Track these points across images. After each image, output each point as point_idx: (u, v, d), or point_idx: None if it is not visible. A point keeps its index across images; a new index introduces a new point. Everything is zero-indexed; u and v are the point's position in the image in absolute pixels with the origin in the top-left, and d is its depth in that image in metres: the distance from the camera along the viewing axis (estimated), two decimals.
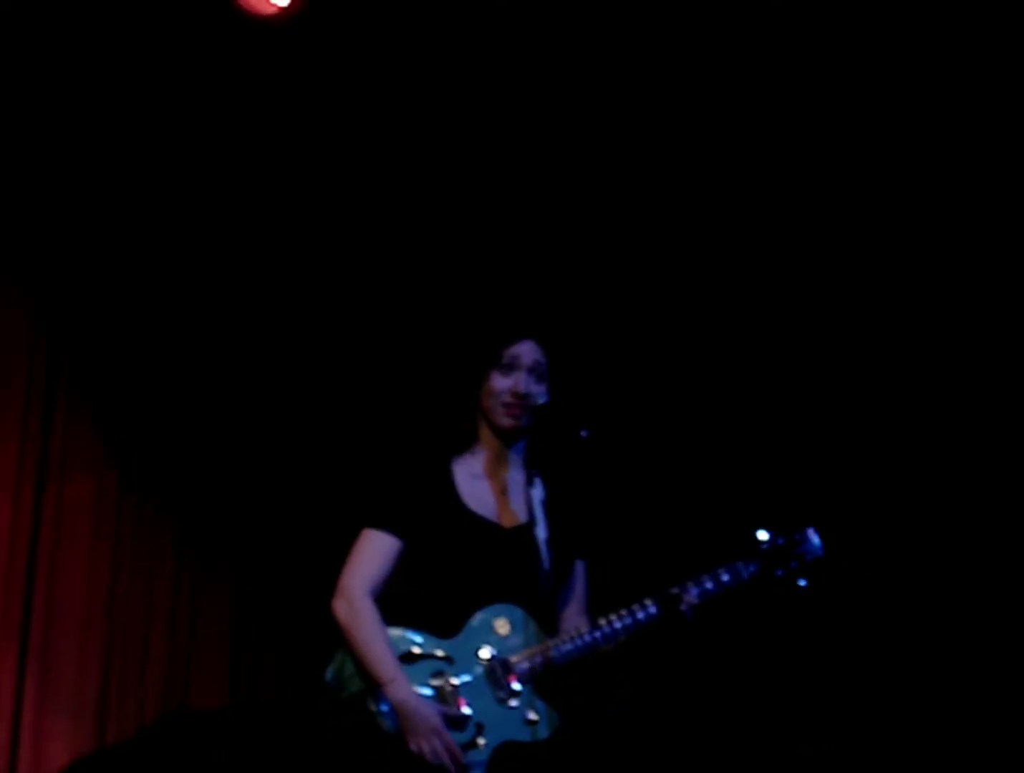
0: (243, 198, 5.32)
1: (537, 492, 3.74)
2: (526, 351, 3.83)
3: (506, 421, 3.80)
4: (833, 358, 5.31)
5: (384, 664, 3.64)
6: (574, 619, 3.81)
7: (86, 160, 5.24)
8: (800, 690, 5.27)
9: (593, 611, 3.82)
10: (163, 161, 5.22)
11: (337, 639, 3.74)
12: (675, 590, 3.66)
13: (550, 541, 3.68)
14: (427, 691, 3.64)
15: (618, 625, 3.67)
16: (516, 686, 3.65)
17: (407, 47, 5.00)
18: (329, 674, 3.73)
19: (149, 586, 5.56)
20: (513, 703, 3.65)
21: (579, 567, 3.90)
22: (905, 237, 5.17)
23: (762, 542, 3.74)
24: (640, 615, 3.66)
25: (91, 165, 5.25)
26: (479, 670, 3.67)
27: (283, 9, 4.90)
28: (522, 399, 3.77)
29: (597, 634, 3.66)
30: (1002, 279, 5.08)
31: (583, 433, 3.70)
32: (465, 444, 3.86)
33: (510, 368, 3.80)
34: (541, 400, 3.76)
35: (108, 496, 5.51)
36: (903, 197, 5.15)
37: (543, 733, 3.65)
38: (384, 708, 3.61)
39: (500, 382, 3.79)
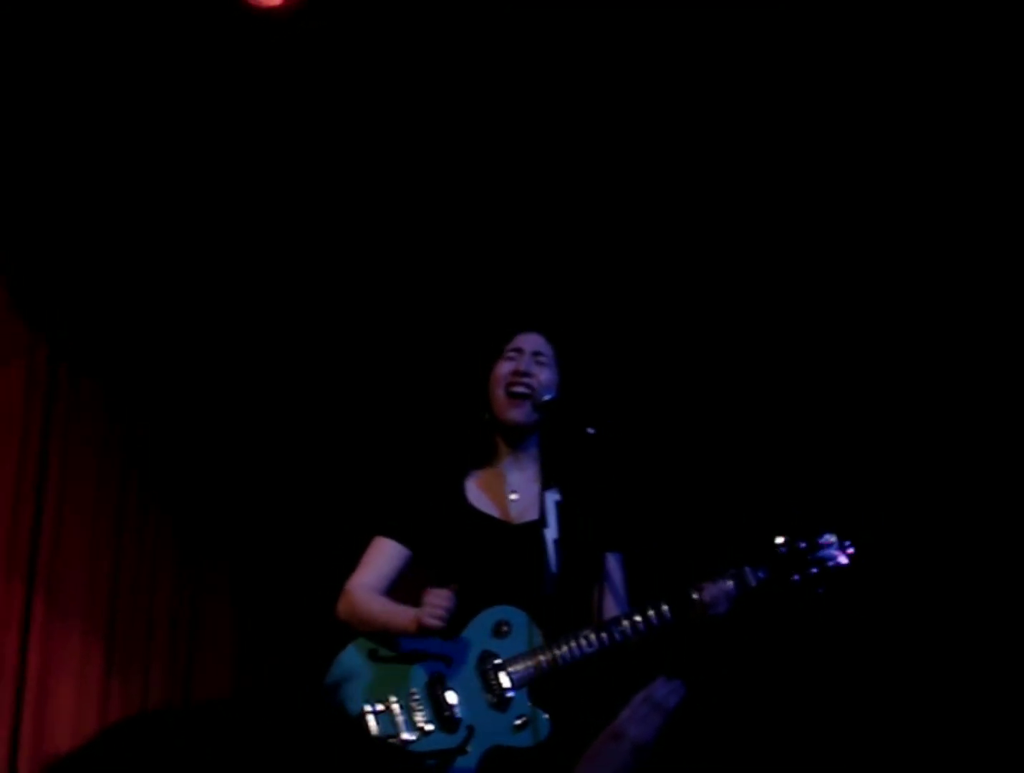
0: (245, 194, 5.27)
1: (552, 494, 3.78)
2: (528, 341, 3.88)
3: (510, 404, 3.80)
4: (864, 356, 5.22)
5: (393, 619, 3.72)
6: (612, 613, 3.71)
7: (86, 156, 5.21)
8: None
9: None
10: (163, 156, 5.19)
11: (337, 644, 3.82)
12: (693, 594, 3.56)
13: (562, 541, 3.69)
14: (422, 692, 3.67)
15: (628, 630, 3.59)
16: (509, 691, 3.63)
17: (411, 39, 4.94)
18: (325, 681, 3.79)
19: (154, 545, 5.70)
20: (505, 708, 3.62)
21: (613, 560, 3.84)
22: (918, 238, 5.12)
23: (778, 546, 3.60)
24: (654, 620, 3.58)
25: (91, 161, 5.21)
26: (473, 673, 3.67)
27: (286, 1, 4.78)
28: (522, 376, 3.80)
29: (604, 637, 3.60)
30: (1002, 279, 5.04)
31: (589, 430, 3.69)
32: (481, 451, 3.89)
33: (512, 356, 3.85)
34: (547, 395, 3.77)
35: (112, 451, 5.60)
36: (906, 197, 5.12)
37: (532, 740, 3.61)
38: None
39: (503, 367, 3.84)
